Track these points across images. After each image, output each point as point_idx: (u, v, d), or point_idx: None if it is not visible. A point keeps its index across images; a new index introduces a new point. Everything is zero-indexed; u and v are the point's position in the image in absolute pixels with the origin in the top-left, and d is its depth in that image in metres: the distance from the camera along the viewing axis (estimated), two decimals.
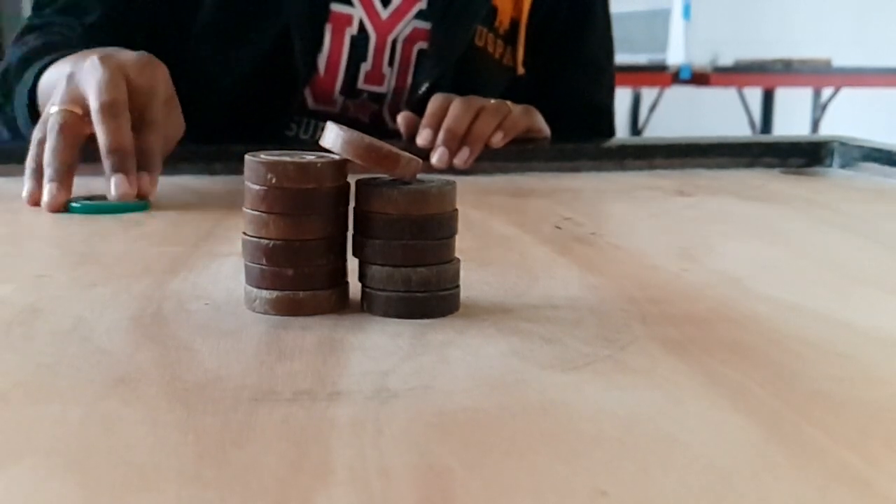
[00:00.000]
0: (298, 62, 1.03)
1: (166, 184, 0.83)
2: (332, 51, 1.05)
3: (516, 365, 0.38)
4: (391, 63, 1.07)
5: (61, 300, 0.47)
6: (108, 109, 0.72)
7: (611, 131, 1.23)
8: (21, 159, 0.89)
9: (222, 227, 0.66)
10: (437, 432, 0.32)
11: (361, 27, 1.05)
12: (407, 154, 0.45)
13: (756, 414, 0.34)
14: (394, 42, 1.07)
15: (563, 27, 1.14)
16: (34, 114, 0.87)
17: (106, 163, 0.72)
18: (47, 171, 0.72)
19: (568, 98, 1.16)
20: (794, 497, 0.27)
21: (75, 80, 0.76)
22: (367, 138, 0.45)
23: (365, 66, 1.06)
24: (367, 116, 1.09)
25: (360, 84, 1.07)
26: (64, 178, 0.72)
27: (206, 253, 0.58)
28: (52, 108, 0.75)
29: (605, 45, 1.21)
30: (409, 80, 1.08)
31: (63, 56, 0.88)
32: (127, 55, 0.78)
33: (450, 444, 0.31)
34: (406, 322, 0.44)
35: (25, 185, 0.74)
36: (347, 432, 0.31)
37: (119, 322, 0.44)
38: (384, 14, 1.06)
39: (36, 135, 0.76)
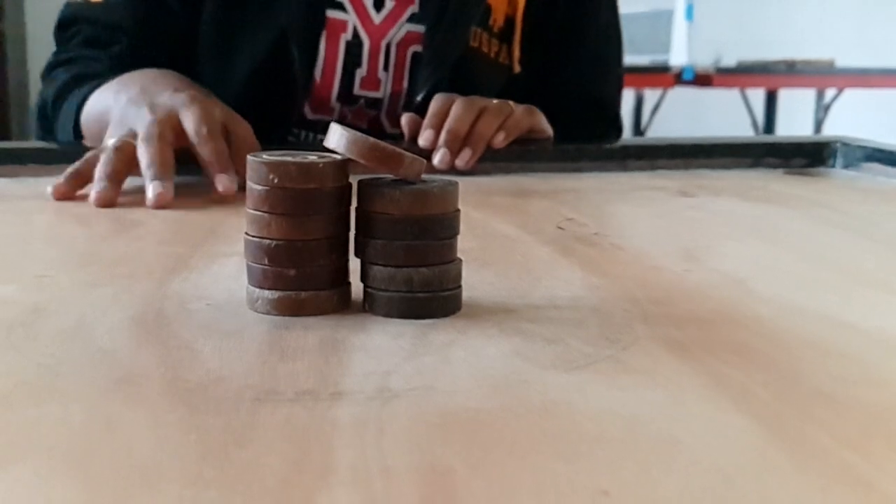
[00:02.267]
0: (297, 71, 1.03)
1: None
2: (327, 58, 1.05)
3: (518, 365, 0.38)
4: (386, 67, 1.07)
5: (63, 300, 0.47)
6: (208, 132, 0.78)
7: (617, 126, 1.22)
8: (20, 160, 0.90)
9: (224, 228, 0.66)
10: (438, 432, 0.32)
11: (355, 33, 1.05)
12: (411, 154, 0.45)
13: (758, 414, 0.33)
14: (387, 46, 1.06)
15: (563, 19, 1.13)
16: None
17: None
18: (150, 171, 0.75)
19: (571, 92, 1.15)
20: (795, 498, 0.27)
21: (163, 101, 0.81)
22: (372, 139, 0.45)
23: (360, 72, 1.06)
24: (366, 123, 1.09)
25: (357, 90, 1.07)
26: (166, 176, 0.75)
27: (208, 253, 0.58)
28: (146, 123, 0.79)
29: (612, 40, 1.19)
30: (405, 84, 1.08)
31: (101, 84, 0.92)
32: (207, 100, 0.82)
33: (452, 444, 0.31)
34: (408, 322, 0.44)
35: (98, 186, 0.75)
36: (349, 432, 0.31)
37: (121, 322, 0.44)
38: (377, 19, 1.05)
39: (115, 143, 0.78)
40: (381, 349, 0.40)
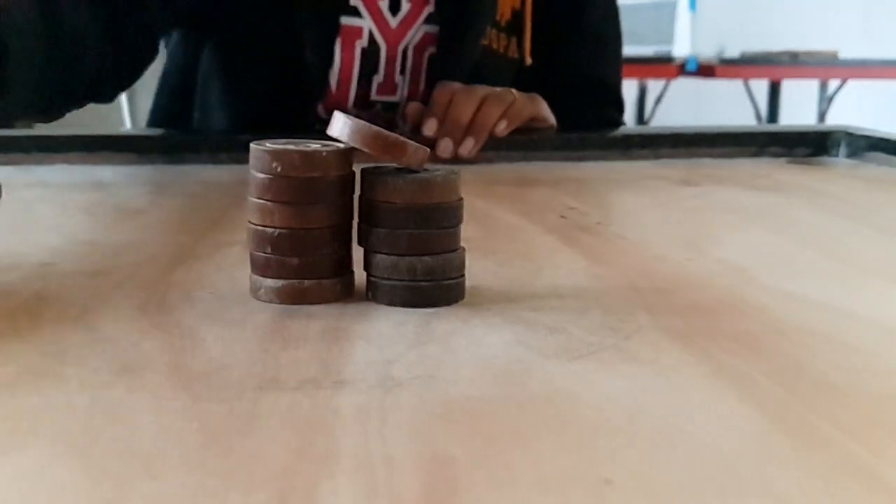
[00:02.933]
0: (312, 79, 1.02)
1: (172, 173, 0.83)
2: (342, 66, 1.03)
3: (521, 354, 0.38)
4: (403, 72, 1.05)
5: (67, 288, 0.47)
6: None
7: (619, 107, 1.21)
8: (25, 148, 0.90)
9: (227, 217, 0.66)
10: (441, 421, 0.32)
11: (371, 39, 1.03)
12: (414, 143, 0.45)
13: (761, 404, 0.33)
14: (404, 50, 1.04)
15: (563, 3, 1.13)
16: None
17: None
18: None
19: (572, 73, 1.15)
20: (798, 487, 0.27)
21: None
22: (375, 127, 0.45)
23: (377, 78, 1.04)
24: (381, 124, 1.08)
25: (374, 96, 1.05)
26: None
27: (212, 242, 0.58)
28: None
29: (609, 18, 1.18)
30: (422, 86, 1.06)
31: None
32: None
33: (454, 432, 0.31)
34: (411, 311, 0.44)
35: None
36: (352, 421, 0.31)
37: (124, 310, 0.44)
38: (393, 23, 1.03)
39: None
40: (384, 338, 0.40)
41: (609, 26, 1.19)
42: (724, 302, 0.47)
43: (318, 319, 0.43)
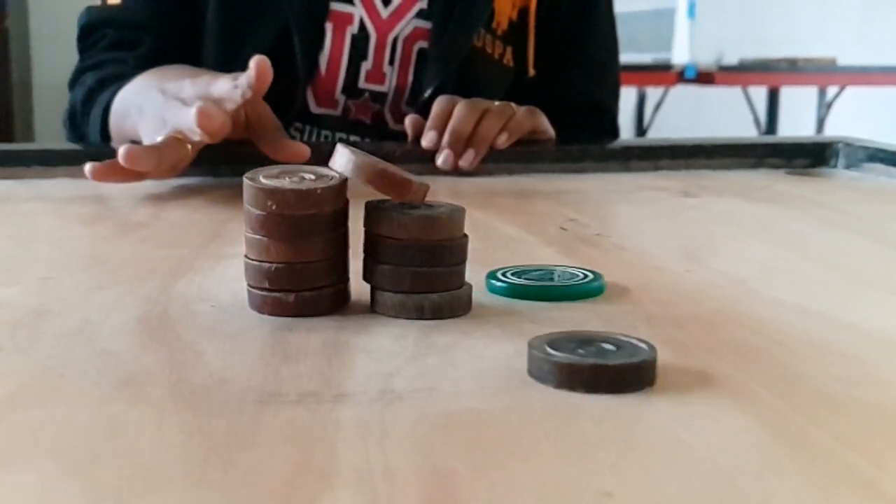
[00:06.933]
0: (299, 60, 1.04)
1: (171, 186, 0.83)
2: (333, 49, 1.06)
3: (521, 366, 0.38)
4: (391, 62, 1.08)
5: (67, 302, 0.47)
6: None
7: (614, 131, 1.23)
8: (24, 162, 0.90)
9: (227, 229, 0.66)
10: (441, 434, 0.32)
11: (362, 26, 1.06)
12: (417, 180, 0.45)
13: (760, 415, 0.34)
14: (394, 41, 1.07)
15: (564, 25, 1.14)
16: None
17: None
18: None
19: (570, 97, 1.16)
20: (798, 498, 0.27)
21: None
22: (380, 163, 0.45)
23: (366, 65, 1.07)
24: (369, 118, 1.09)
25: (362, 83, 1.08)
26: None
27: (212, 255, 0.58)
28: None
29: (609, 44, 1.20)
30: (410, 79, 1.08)
31: (123, 85, 0.93)
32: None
33: (454, 445, 0.31)
34: (410, 323, 0.44)
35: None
36: (353, 434, 0.32)
37: (125, 324, 0.44)
38: (384, 13, 1.06)
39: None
40: (384, 351, 0.40)
41: (608, 52, 1.21)
42: (723, 313, 0.47)
43: (319, 332, 0.43)
